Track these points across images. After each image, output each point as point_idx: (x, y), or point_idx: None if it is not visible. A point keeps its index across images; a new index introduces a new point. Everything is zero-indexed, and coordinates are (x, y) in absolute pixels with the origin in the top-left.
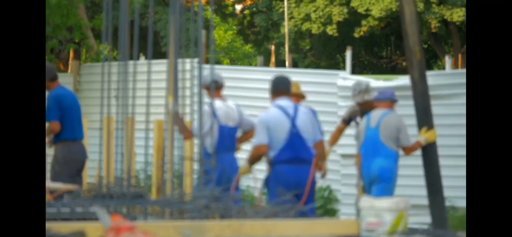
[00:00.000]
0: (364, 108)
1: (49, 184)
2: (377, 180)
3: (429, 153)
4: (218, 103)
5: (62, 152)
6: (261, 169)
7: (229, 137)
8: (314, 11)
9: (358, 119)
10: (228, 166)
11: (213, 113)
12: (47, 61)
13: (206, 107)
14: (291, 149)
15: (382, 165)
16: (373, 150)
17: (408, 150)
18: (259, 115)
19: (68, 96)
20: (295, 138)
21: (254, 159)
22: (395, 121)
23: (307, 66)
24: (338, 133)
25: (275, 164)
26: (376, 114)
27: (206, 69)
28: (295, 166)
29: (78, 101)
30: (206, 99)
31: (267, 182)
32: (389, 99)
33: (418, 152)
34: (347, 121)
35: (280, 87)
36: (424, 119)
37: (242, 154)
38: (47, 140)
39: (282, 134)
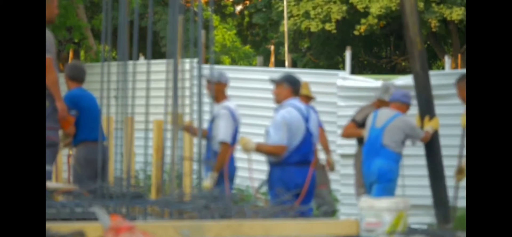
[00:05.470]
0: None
1: (49, 184)
2: (377, 181)
3: (432, 140)
4: (232, 104)
5: (83, 153)
6: (262, 169)
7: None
8: (314, 8)
9: None
10: (233, 166)
11: (233, 116)
12: (75, 60)
13: (225, 111)
14: (302, 151)
15: (382, 166)
16: (374, 150)
17: (422, 141)
18: (280, 113)
19: (85, 97)
20: (307, 140)
21: (269, 153)
22: (403, 125)
23: (305, 65)
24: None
25: (284, 165)
26: (383, 114)
27: (206, 69)
28: (302, 168)
29: (97, 103)
30: (206, 98)
31: (271, 182)
32: (398, 101)
33: (418, 152)
34: (361, 124)
35: (297, 88)
36: (427, 109)
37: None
38: (64, 139)
39: (298, 136)
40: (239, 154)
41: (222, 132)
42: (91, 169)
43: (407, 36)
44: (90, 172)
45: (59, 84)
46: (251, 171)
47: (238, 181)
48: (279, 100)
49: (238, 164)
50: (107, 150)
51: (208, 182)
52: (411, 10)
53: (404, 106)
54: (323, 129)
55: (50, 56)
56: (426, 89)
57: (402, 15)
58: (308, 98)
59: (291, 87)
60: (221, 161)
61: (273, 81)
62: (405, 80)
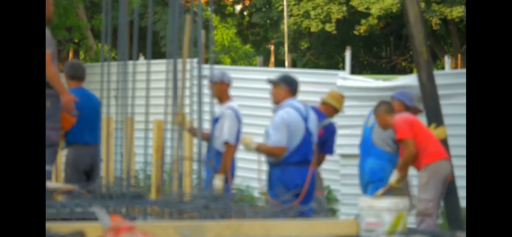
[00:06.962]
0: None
1: (49, 184)
2: (370, 181)
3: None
4: (236, 105)
5: (71, 155)
6: (263, 169)
7: None
8: (314, 9)
9: None
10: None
11: (238, 117)
12: (75, 59)
13: (230, 111)
14: (302, 151)
15: (372, 165)
16: (367, 149)
17: None
18: (278, 114)
19: (84, 98)
20: (307, 140)
21: (269, 154)
22: None
23: (305, 65)
24: None
25: (284, 165)
26: None
27: (206, 69)
28: (302, 168)
29: (96, 105)
30: (207, 98)
31: (271, 183)
32: (395, 99)
33: None
34: None
35: (295, 88)
36: (435, 119)
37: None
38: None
39: (297, 136)
40: (245, 155)
41: (227, 132)
42: (77, 171)
43: (413, 46)
44: (77, 174)
45: (60, 77)
46: (260, 172)
47: (238, 181)
48: (277, 101)
49: (240, 164)
50: (98, 153)
51: (218, 183)
52: (415, 20)
53: (401, 105)
54: (329, 155)
55: (49, 51)
56: (433, 99)
57: (406, 25)
58: (335, 111)
59: (288, 88)
60: (226, 162)
61: (270, 82)
62: (405, 81)
